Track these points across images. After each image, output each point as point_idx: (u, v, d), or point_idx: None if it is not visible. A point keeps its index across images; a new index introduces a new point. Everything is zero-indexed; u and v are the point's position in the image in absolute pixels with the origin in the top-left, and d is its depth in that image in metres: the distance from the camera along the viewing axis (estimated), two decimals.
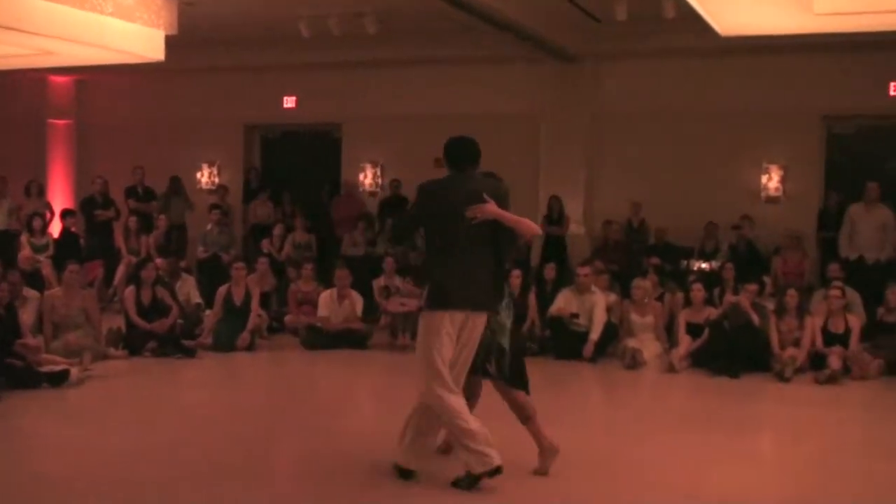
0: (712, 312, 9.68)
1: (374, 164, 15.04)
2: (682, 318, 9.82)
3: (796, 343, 9.29)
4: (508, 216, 5.15)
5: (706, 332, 9.46)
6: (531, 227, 5.31)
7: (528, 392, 5.42)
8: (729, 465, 5.89)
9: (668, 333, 10.10)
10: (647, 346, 9.68)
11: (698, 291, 9.84)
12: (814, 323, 9.38)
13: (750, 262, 11.54)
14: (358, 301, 10.48)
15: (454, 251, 5.10)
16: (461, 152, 5.31)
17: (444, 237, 5.13)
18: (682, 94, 13.24)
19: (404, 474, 5.23)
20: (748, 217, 12.53)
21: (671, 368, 9.16)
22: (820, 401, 8.17)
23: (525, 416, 5.40)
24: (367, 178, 15.00)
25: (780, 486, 5.45)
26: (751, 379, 8.88)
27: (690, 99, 13.19)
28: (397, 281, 11.03)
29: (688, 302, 10.07)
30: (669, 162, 13.29)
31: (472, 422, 5.01)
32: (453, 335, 5.04)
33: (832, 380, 8.71)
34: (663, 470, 5.65)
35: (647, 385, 8.98)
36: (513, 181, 14.11)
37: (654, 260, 11.55)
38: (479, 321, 5.12)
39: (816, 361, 9.10)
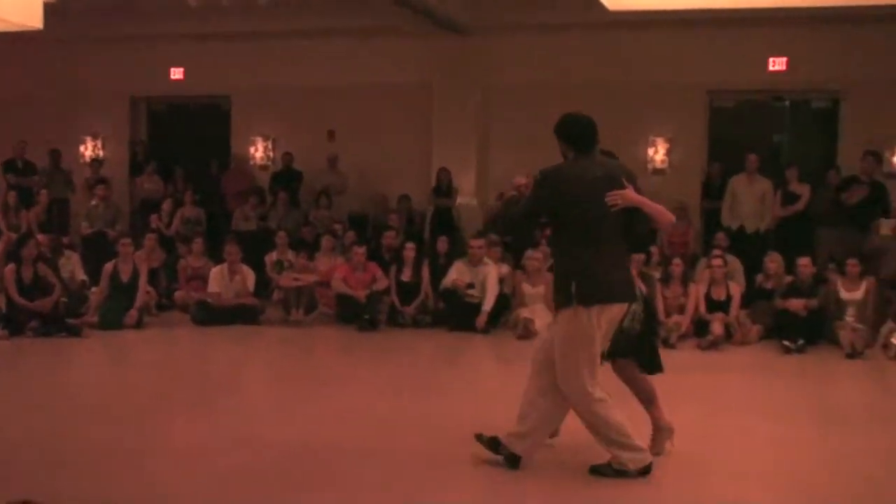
0: None
1: (265, 138, 14.80)
2: None
3: (681, 310, 9.61)
4: (649, 203, 4.93)
5: None
6: (668, 215, 5.09)
7: (662, 372, 5.44)
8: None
9: None
10: (539, 315, 9.83)
11: None
12: (697, 291, 9.70)
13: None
14: (249, 276, 10.37)
15: (598, 241, 4.77)
16: (586, 132, 4.93)
17: (584, 227, 4.77)
18: (572, 68, 13.41)
19: (512, 460, 4.96)
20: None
21: None
22: (703, 365, 8.45)
23: (649, 399, 5.39)
24: (258, 151, 14.76)
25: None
26: None
27: (579, 72, 13.36)
28: (290, 255, 10.94)
29: None
30: None
31: (622, 418, 4.89)
32: (603, 330, 4.78)
33: (714, 345, 9.04)
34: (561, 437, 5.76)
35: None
36: (406, 153, 14.34)
37: (547, 231, 11.71)
38: (621, 312, 4.89)
39: (700, 328, 9.43)
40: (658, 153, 13.37)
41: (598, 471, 4.91)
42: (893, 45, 12.19)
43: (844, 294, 9.48)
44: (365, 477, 4.89)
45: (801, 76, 12.74)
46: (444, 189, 12.93)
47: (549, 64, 13.49)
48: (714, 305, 9.58)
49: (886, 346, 8.93)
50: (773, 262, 10.06)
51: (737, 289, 9.76)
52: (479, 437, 5.09)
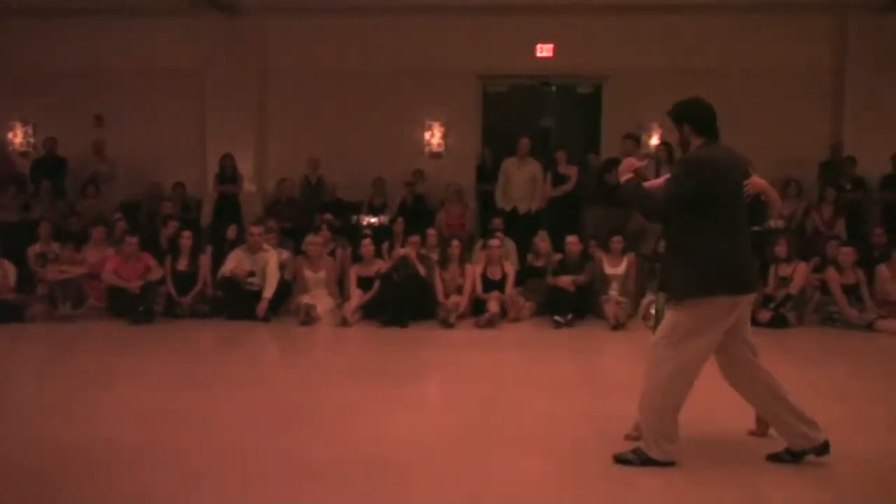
0: (382, 265, 10.01)
1: (25, 122, 13.92)
2: (353, 272, 10.07)
3: (459, 290, 9.88)
4: (772, 189, 4.96)
5: (376, 284, 9.77)
6: (779, 201, 5.08)
7: None
8: (404, 410, 6.12)
9: (340, 288, 10.33)
10: (321, 301, 9.84)
11: (368, 246, 10.13)
12: (474, 271, 10.00)
13: (418, 216, 12.05)
14: (10, 270, 9.72)
15: (739, 228, 4.73)
16: (713, 117, 4.80)
17: (726, 214, 4.67)
18: (351, 53, 13.44)
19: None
20: (420, 171, 13.05)
21: (344, 322, 9.39)
22: (481, 343, 8.73)
23: None
24: (18, 137, 13.85)
25: (452, 425, 5.75)
26: (419, 327, 9.33)
27: (358, 57, 13.42)
28: (55, 247, 10.33)
29: (358, 257, 10.34)
30: (339, 119, 13.48)
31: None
32: (733, 320, 4.74)
33: (491, 323, 9.36)
34: (344, 421, 5.78)
35: (322, 339, 9.13)
36: (180, 139, 13.88)
37: (327, 216, 11.71)
38: (749, 303, 4.84)
39: (477, 306, 9.73)
40: (434, 137, 13.64)
41: (622, 459, 4.93)
42: (652, 34, 13.01)
43: (608, 269, 10.06)
44: (145, 474, 4.72)
45: (567, 62, 13.34)
46: (229, 175, 12.62)
47: (326, 49, 13.47)
48: (490, 285, 9.91)
49: (646, 317, 9.55)
50: (543, 241, 10.52)
51: (511, 268, 10.14)
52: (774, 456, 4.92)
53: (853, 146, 12.46)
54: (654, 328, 5.39)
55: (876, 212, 12.35)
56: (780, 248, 9.85)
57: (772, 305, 9.52)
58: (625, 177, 4.90)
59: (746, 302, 4.81)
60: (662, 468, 4.81)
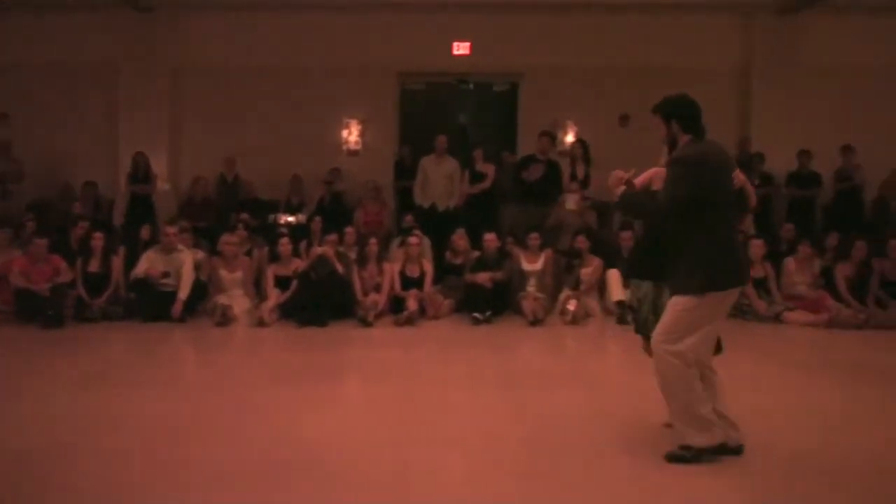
0: (299, 265, 9.94)
1: None
2: (270, 271, 9.98)
3: (378, 289, 9.87)
4: (748, 182, 5.03)
5: (294, 283, 9.70)
6: (754, 195, 5.16)
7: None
8: (323, 410, 6.09)
9: (257, 288, 10.22)
10: (237, 301, 9.73)
11: (285, 245, 10.05)
12: (392, 269, 10.00)
13: (336, 214, 11.99)
14: None
15: (729, 224, 4.84)
16: (699, 114, 4.86)
17: (726, 208, 4.79)
18: (267, 49, 13.31)
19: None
20: (337, 170, 12.99)
21: (261, 322, 9.30)
22: (400, 341, 8.73)
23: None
24: None
25: (372, 424, 5.75)
26: (337, 326, 9.29)
27: (275, 54, 13.30)
28: None
29: (275, 256, 10.25)
30: (256, 117, 13.34)
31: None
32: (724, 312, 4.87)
33: (410, 321, 9.38)
34: (262, 422, 5.73)
35: (239, 340, 9.02)
36: (91, 137, 13.55)
37: (244, 215, 11.58)
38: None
39: (396, 305, 9.73)
40: (352, 135, 13.61)
41: (674, 456, 4.95)
42: (567, 33, 13.18)
43: (526, 266, 10.16)
44: (57, 480, 4.61)
45: (484, 60, 13.42)
46: (142, 175, 12.36)
47: (241, 45, 13.32)
48: (409, 283, 9.93)
49: (563, 312, 9.70)
50: (461, 238, 10.58)
51: (429, 266, 10.17)
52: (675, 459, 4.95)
53: (760, 143, 12.82)
54: (639, 322, 5.47)
55: (782, 207, 12.73)
56: None
57: None
58: (618, 189, 4.93)
59: (733, 294, 4.91)
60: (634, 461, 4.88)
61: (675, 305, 4.84)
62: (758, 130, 13.06)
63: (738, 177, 4.97)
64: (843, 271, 9.94)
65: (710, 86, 13.15)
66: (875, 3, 12.80)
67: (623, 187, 4.93)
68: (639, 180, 5.12)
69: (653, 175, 5.09)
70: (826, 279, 10.01)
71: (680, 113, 4.87)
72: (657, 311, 5.25)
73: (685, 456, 4.91)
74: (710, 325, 4.84)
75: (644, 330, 5.46)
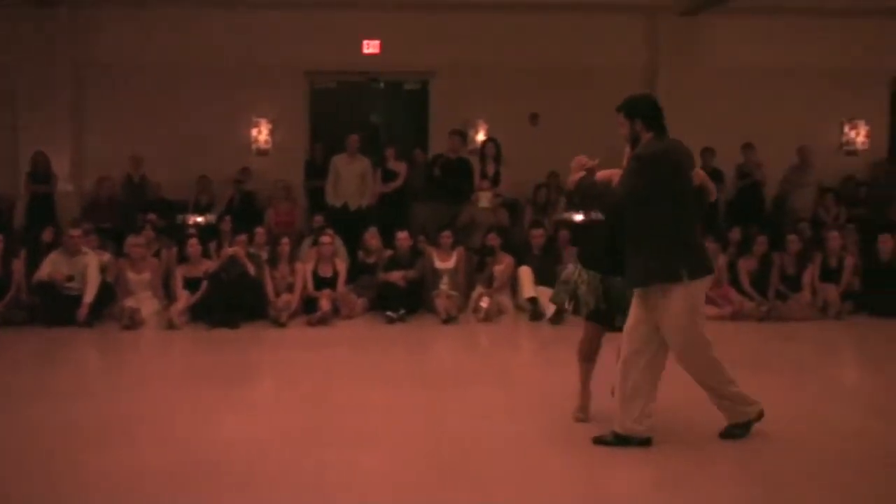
0: (209, 265, 9.79)
1: None
2: (179, 273, 9.80)
3: (290, 289, 9.79)
4: (708, 179, 5.27)
5: (204, 285, 9.56)
6: (714, 189, 5.36)
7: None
8: (236, 412, 6.04)
9: (166, 289, 10.03)
10: (145, 304, 9.53)
11: (194, 246, 9.88)
12: (305, 269, 9.93)
13: (247, 214, 11.85)
14: None
15: (692, 216, 5.06)
16: (661, 112, 5.06)
17: (684, 203, 4.99)
18: (173, 46, 13.05)
19: (643, 442, 5.13)
20: (247, 169, 12.83)
21: (171, 325, 9.13)
22: (314, 341, 8.68)
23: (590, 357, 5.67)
24: None
25: (287, 425, 5.71)
26: (250, 327, 9.18)
27: (182, 51, 13.05)
28: None
29: (184, 257, 10.07)
30: (163, 115, 13.07)
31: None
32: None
33: (323, 321, 9.33)
34: (174, 426, 5.65)
35: (148, 344, 8.85)
36: None
37: (151, 216, 11.35)
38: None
39: (309, 305, 9.67)
40: (261, 134, 13.45)
41: (730, 434, 5.27)
42: (477, 32, 13.26)
43: (439, 264, 10.20)
44: None
45: (394, 59, 13.42)
46: (42, 174, 11.98)
47: (147, 42, 13.04)
48: (321, 282, 9.87)
49: (476, 309, 9.77)
50: (373, 237, 10.55)
51: (342, 265, 10.13)
52: (598, 440, 5.18)
53: None
54: (622, 319, 5.50)
55: None
56: None
57: None
58: (577, 175, 5.11)
59: (706, 282, 5.14)
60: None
61: (677, 294, 4.95)
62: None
63: (699, 174, 5.19)
64: (745, 265, 10.23)
65: (617, 86, 13.35)
66: (773, 5, 13.22)
67: (583, 173, 5.11)
68: (600, 175, 5.26)
69: (615, 174, 5.19)
70: (729, 273, 10.29)
71: (643, 112, 5.07)
72: (610, 301, 5.44)
73: (738, 433, 5.27)
74: (702, 316, 5.09)
75: (584, 311, 5.58)
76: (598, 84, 13.21)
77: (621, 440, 5.12)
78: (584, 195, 5.18)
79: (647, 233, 4.98)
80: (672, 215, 4.94)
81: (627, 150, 5.15)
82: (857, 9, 13.31)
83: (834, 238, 10.32)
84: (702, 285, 5.05)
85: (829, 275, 10.09)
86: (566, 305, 5.63)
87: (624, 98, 5.18)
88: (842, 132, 14.12)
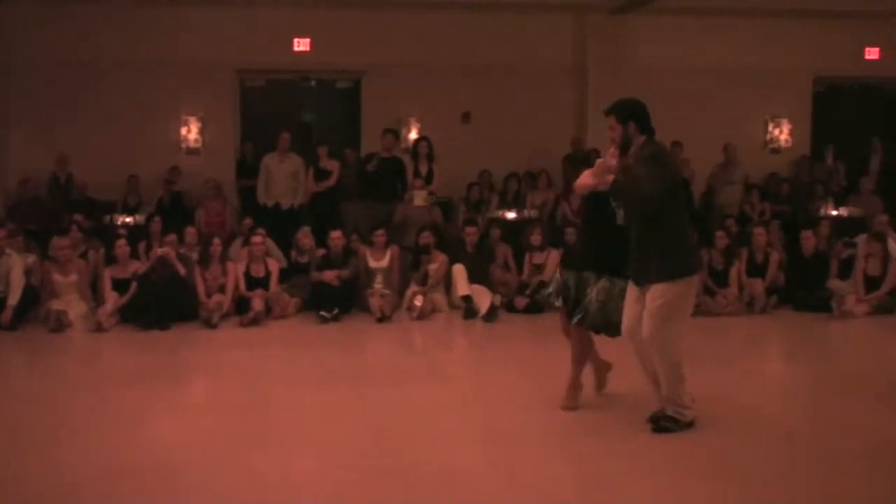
0: (139, 267, 9.63)
1: None
2: (107, 274, 9.62)
3: (222, 289, 9.67)
4: None
5: (133, 286, 9.40)
6: None
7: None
8: (167, 415, 5.95)
9: (94, 291, 9.83)
10: (73, 306, 9.33)
11: (122, 247, 9.70)
12: (237, 269, 9.82)
13: (177, 214, 11.67)
14: None
15: (685, 215, 5.28)
16: (649, 115, 5.26)
17: (680, 202, 5.23)
18: (100, 43, 12.77)
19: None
20: (177, 168, 12.64)
21: (99, 327, 8.96)
22: (247, 342, 8.60)
23: (580, 360, 5.85)
24: None
25: (219, 427, 5.65)
26: (181, 329, 9.06)
27: (109, 48, 12.78)
28: None
29: (112, 258, 9.88)
30: (89, 113, 12.80)
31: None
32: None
33: (256, 321, 9.24)
34: (102, 430, 5.55)
35: (75, 347, 8.68)
36: None
37: (78, 217, 11.11)
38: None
39: (241, 305, 9.57)
40: (191, 133, 13.26)
41: (660, 425, 5.35)
42: (409, 30, 13.26)
43: (372, 263, 10.18)
44: None
45: (325, 57, 13.34)
46: None
47: (73, 38, 12.73)
48: (253, 282, 9.77)
49: (410, 308, 9.78)
50: (306, 236, 10.48)
51: (274, 265, 10.04)
52: (656, 426, 5.35)
53: (596, 141, 13.25)
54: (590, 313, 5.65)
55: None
56: (535, 237, 10.35)
57: (527, 292, 9.99)
58: (609, 177, 5.18)
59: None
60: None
61: (658, 292, 5.14)
62: (594, 128, 13.49)
63: None
64: None
65: (548, 84, 13.56)
66: (700, 6, 13.46)
67: (612, 175, 5.20)
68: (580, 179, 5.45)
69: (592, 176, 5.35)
70: None
71: (636, 115, 5.24)
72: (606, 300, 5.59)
73: (672, 427, 5.34)
74: (690, 307, 5.34)
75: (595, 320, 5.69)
76: (529, 82, 13.34)
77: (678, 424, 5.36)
78: (620, 194, 5.20)
79: (666, 228, 5.17)
80: (680, 212, 5.23)
81: (613, 150, 5.28)
82: (781, 10, 13.64)
83: (759, 234, 10.55)
84: (695, 281, 5.39)
85: (756, 270, 10.31)
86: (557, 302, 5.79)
87: (613, 101, 5.37)
88: (766, 130, 14.45)
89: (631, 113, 5.24)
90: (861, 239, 10.49)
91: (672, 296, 5.15)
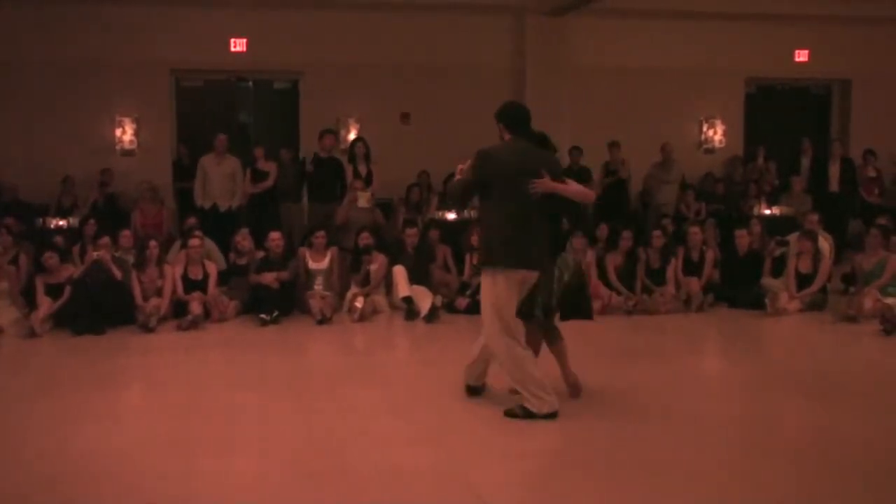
0: (72, 271, 9.45)
1: None
2: (40, 280, 9.40)
3: (159, 293, 9.53)
4: (562, 188, 5.61)
5: (67, 291, 9.22)
6: (586, 194, 5.90)
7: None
8: (101, 420, 5.86)
9: (27, 296, 9.61)
10: (4, 312, 9.13)
11: (50, 259, 9.38)
12: (174, 272, 9.69)
13: (112, 217, 11.48)
14: None
15: (518, 216, 5.46)
16: (521, 119, 5.64)
17: (509, 202, 5.47)
18: (31, 41, 12.55)
19: (474, 391, 6.05)
20: (110, 170, 12.44)
21: (32, 333, 8.77)
22: (185, 345, 8.48)
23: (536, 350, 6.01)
24: None
25: (155, 432, 5.58)
26: (117, 333, 8.91)
27: (40, 47, 12.54)
28: None
29: (41, 267, 9.60)
30: (19, 114, 12.55)
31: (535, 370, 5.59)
32: (514, 291, 5.50)
33: (194, 324, 9.13)
34: (34, 437, 5.45)
35: (7, 353, 8.46)
36: None
37: (8, 220, 10.86)
38: (532, 279, 5.59)
39: (179, 308, 9.45)
40: (126, 134, 13.07)
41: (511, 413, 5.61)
42: (346, 30, 13.25)
43: (312, 265, 10.12)
44: None
45: (262, 58, 13.25)
46: None
47: (1, 39, 12.45)
48: (192, 285, 9.65)
49: (351, 310, 9.74)
50: (245, 238, 10.38)
51: (213, 267, 9.93)
52: (510, 413, 5.61)
53: None
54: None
55: None
56: (475, 238, 10.36)
57: (468, 292, 10.01)
58: (457, 177, 5.72)
59: (533, 278, 5.61)
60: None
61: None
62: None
63: (543, 185, 5.52)
64: (612, 261, 10.51)
65: (487, 85, 13.60)
66: (636, 8, 13.66)
67: (460, 175, 5.70)
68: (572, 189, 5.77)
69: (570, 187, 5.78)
70: (598, 268, 10.56)
71: (505, 116, 5.69)
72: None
73: (519, 413, 5.59)
74: (511, 300, 5.54)
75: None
76: (467, 83, 13.41)
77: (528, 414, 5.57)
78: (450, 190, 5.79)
79: (485, 220, 5.73)
80: (498, 210, 5.52)
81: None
82: (715, 13, 13.89)
83: (695, 233, 10.72)
84: (507, 277, 5.52)
85: (692, 268, 10.48)
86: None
87: (502, 104, 5.79)
88: (701, 131, 14.72)
89: (502, 114, 5.71)
90: (793, 237, 10.71)
91: (483, 283, 5.58)
